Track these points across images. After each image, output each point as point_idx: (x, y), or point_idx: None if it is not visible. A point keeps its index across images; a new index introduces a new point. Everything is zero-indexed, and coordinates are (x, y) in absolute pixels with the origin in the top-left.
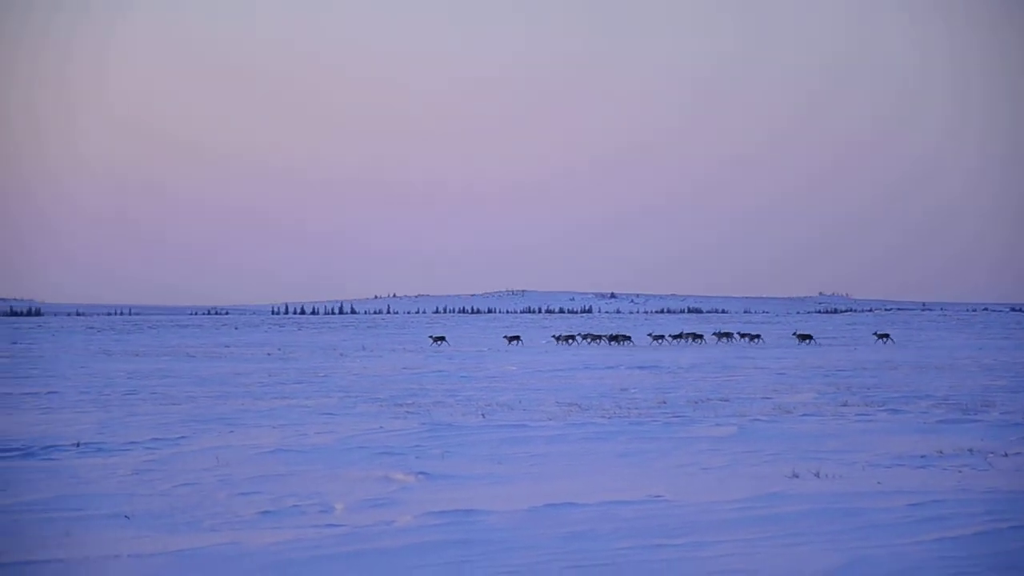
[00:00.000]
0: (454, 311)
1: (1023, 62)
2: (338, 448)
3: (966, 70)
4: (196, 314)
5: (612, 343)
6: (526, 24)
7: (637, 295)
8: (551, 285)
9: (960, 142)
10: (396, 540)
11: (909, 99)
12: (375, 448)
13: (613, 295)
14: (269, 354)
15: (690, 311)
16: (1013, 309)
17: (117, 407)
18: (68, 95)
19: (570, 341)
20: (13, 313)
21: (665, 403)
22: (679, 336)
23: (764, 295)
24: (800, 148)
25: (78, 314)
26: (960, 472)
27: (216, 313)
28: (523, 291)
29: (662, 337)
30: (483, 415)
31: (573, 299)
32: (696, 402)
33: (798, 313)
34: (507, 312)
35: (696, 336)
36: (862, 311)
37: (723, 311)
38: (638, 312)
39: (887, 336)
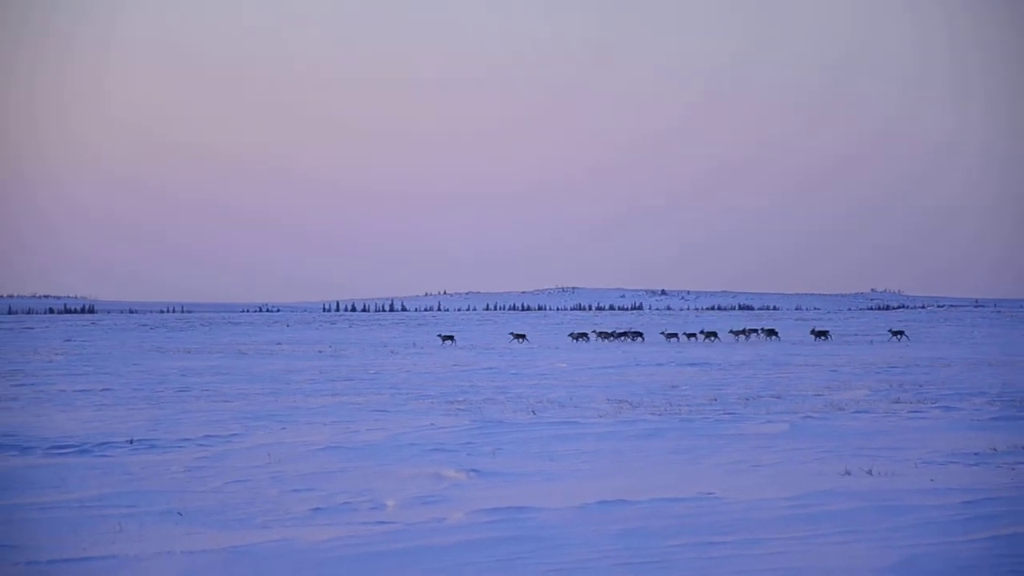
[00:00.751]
0: (504, 308)
1: None
2: (389, 445)
3: None
4: (248, 311)
5: (619, 340)
6: (593, 18)
7: (688, 292)
8: (601, 282)
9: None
10: (447, 537)
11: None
12: (426, 445)
13: (664, 292)
14: (320, 351)
15: (741, 308)
16: None
17: (170, 404)
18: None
19: (584, 339)
20: (67, 311)
21: (716, 400)
22: (692, 335)
23: (816, 292)
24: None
25: (131, 311)
26: (1014, 469)
27: (268, 310)
28: (573, 288)
29: (675, 335)
30: (534, 412)
31: (623, 296)
32: (747, 399)
33: (849, 310)
34: (557, 309)
35: (710, 334)
36: (914, 308)
37: (775, 308)
38: (689, 309)
39: (902, 333)
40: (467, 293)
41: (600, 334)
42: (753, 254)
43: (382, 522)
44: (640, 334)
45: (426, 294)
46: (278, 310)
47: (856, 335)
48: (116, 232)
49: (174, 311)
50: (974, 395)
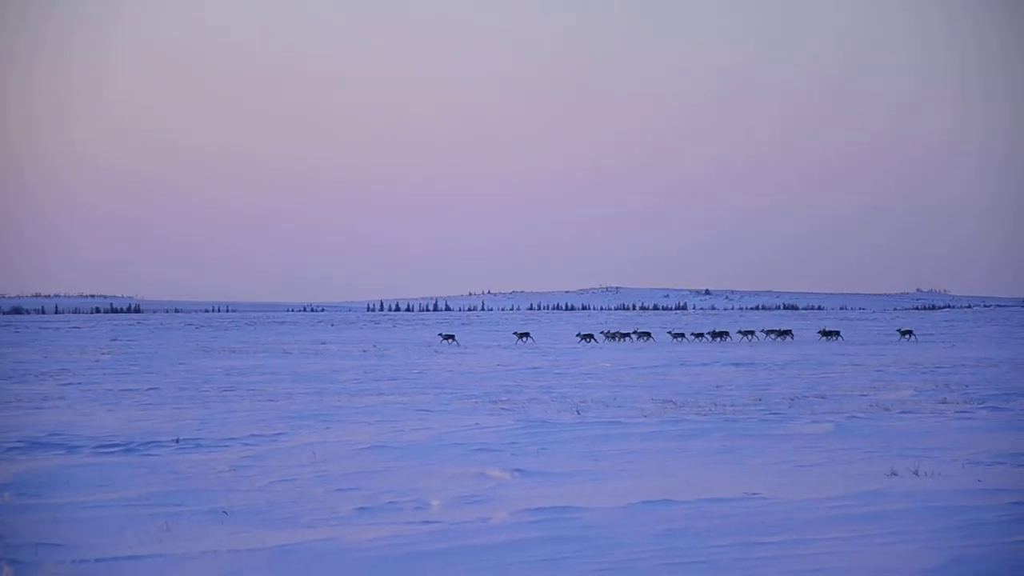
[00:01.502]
0: (547, 308)
1: None
2: (434, 445)
3: None
4: (292, 311)
5: (625, 340)
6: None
7: (732, 291)
8: (645, 282)
9: None
10: (492, 537)
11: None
12: (470, 445)
13: (708, 292)
14: (365, 351)
15: (785, 308)
16: None
17: (215, 403)
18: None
19: (591, 339)
20: (113, 310)
21: (761, 400)
22: (700, 335)
23: (861, 292)
24: (900, 148)
25: (176, 311)
26: None
27: (312, 310)
28: (617, 288)
29: (682, 335)
30: (578, 412)
31: (667, 296)
32: (792, 399)
33: (895, 310)
34: (600, 309)
35: (718, 334)
36: (960, 307)
37: (819, 308)
38: (733, 309)
39: (911, 333)
40: (511, 293)
41: (607, 334)
42: (797, 253)
43: (427, 521)
44: (648, 334)
45: (470, 294)
46: (322, 310)
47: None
48: (162, 233)
49: (219, 311)
50: (1021, 396)
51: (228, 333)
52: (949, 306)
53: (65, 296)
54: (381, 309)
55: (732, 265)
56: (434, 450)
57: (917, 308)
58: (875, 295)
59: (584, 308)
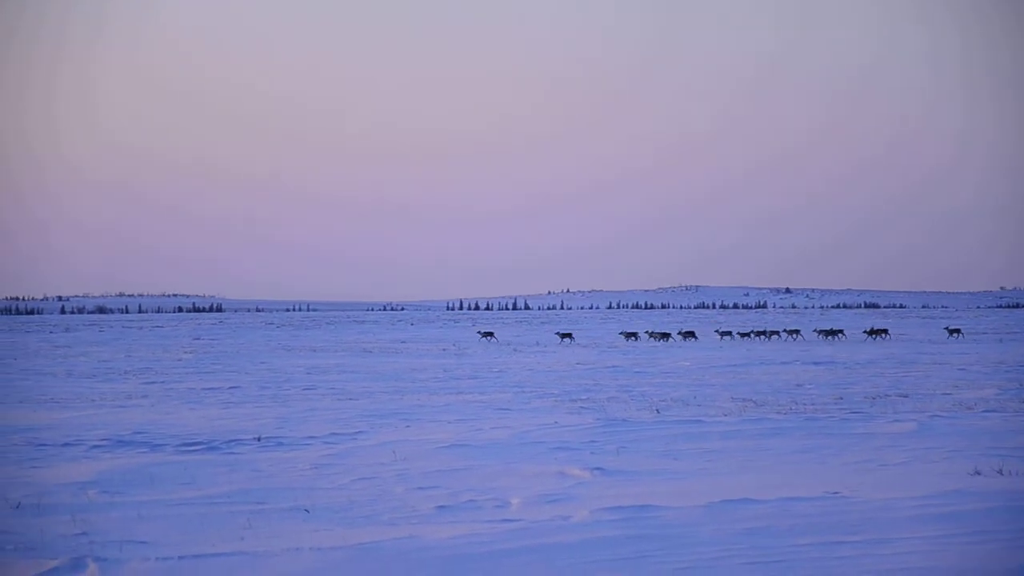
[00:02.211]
0: (627, 307)
1: None
2: (513, 443)
3: None
4: (373, 310)
5: (670, 340)
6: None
7: (812, 290)
8: (725, 280)
9: None
10: (572, 535)
11: None
12: (550, 443)
13: (788, 290)
14: (444, 350)
15: (867, 306)
16: None
17: (296, 402)
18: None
19: (635, 338)
20: (196, 309)
21: (842, 399)
22: (746, 334)
23: (944, 290)
24: (980, 148)
25: (257, 310)
26: None
27: (392, 309)
28: (696, 286)
29: (729, 334)
30: (657, 410)
31: (747, 294)
32: (874, 398)
33: (979, 307)
34: (680, 308)
35: (761, 333)
36: None
37: (901, 306)
38: (814, 307)
39: (959, 331)
40: (590, 291)
41: (651, 334)
42: (879, 251)
43: (507, 520)
44: (692, 333)
45: (549, 292)
46: (402, 308)
47: (986, 333)
48: (244, 232)
49: (299, 310)
50: None
51: (309, 332)
52: None
53: (148, 295)
54: (460, 308)
55: (814, 264)
56: (514, 448)
57: (1000, 307)
58: (958, 293)
59: (664, 307)
